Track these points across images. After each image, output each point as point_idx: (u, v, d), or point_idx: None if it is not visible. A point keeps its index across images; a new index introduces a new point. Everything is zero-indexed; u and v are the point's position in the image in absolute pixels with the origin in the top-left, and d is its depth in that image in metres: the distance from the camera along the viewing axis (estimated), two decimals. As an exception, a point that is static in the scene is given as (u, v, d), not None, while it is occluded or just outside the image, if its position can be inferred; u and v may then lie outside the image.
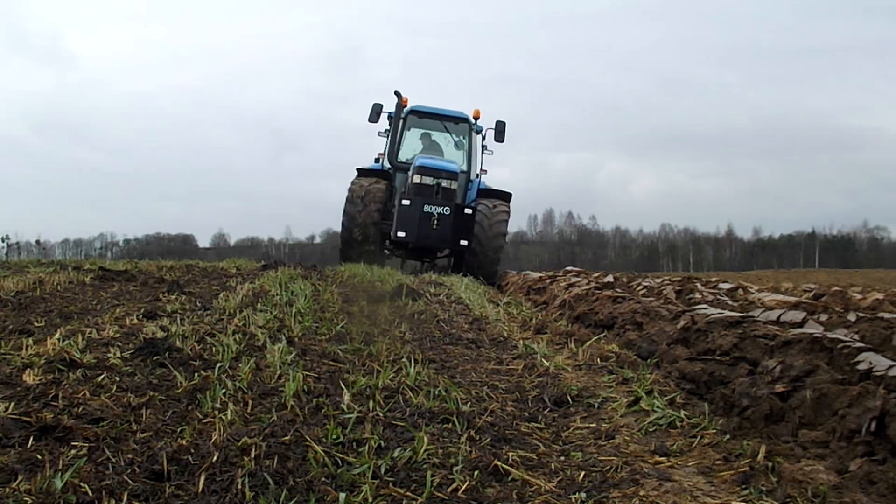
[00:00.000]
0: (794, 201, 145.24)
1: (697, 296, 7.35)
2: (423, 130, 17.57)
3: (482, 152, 17.01)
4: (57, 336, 4.45)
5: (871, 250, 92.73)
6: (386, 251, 16.63)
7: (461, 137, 17.34)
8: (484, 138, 17.00)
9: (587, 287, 8.25)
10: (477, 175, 16.81)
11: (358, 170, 16.25)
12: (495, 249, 14.99)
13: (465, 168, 16.66)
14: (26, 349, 4.08)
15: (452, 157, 16.79)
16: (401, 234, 14.45)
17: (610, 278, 9.99)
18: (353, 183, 15.53)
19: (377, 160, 16.96)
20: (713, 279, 9.56)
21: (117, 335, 4.71)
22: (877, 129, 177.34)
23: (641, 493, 2.63)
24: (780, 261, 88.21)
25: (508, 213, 15.54)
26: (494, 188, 16.31)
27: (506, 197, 16.02)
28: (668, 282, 9.03)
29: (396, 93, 15.63)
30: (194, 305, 6.57)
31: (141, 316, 5.65)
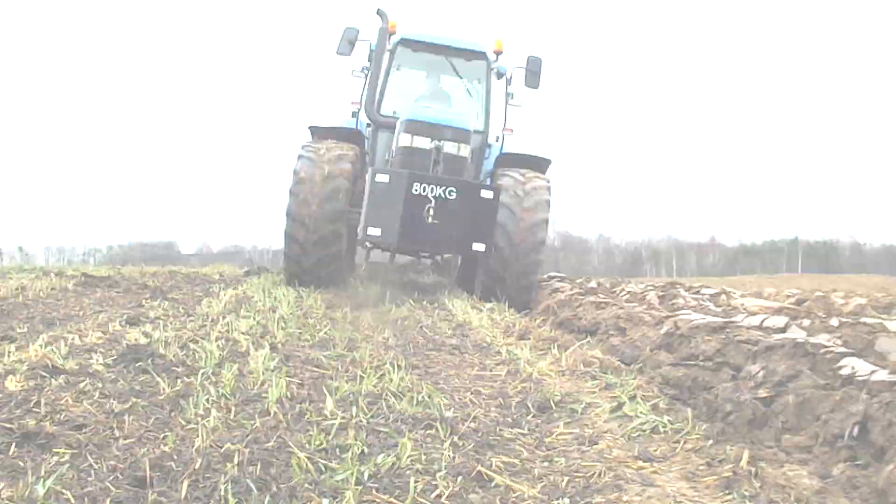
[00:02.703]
0: (777, 207, 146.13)
1: (680, 301, 7.38)
2: (419, 70, 11.65)
3: (506, 103, 11.00)
4: (39, 342, 4.43)
5: (853, 256, 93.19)
6: (368, 244, 11.14)
7: (476, 81, 11.16)
8: (509, 83, 10.97)
9: (571, 293, 8.28)
10: (497, 138, 10.94)
11: (311, 128, 10.39)
12: (530, 263, 9.29)
13: (480, 127, 10.59)
14: (8, 356, 4.05)
15: (463, 110, 10.70)
16: (373, 230, 8.64)
17: (593, 284, 10.03)
18: (301, 156, 9.48)
19: (355, 114, 10.90)
20: (696, 285, 9.59)
21: (100, 341, 4.69)
22: (857, 134, 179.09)
23: (625, 498, 2.64)
24: (763, 266, 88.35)
25: (549, 193, 9.67)
26: (520, 153, 10.47)
27: (541, 166, 10.34)
28: (651, 287, 9.08)
29: (380, 12, 9.97)
30: (177, 312, 6.55)
31: (124, 322, 5.62)
